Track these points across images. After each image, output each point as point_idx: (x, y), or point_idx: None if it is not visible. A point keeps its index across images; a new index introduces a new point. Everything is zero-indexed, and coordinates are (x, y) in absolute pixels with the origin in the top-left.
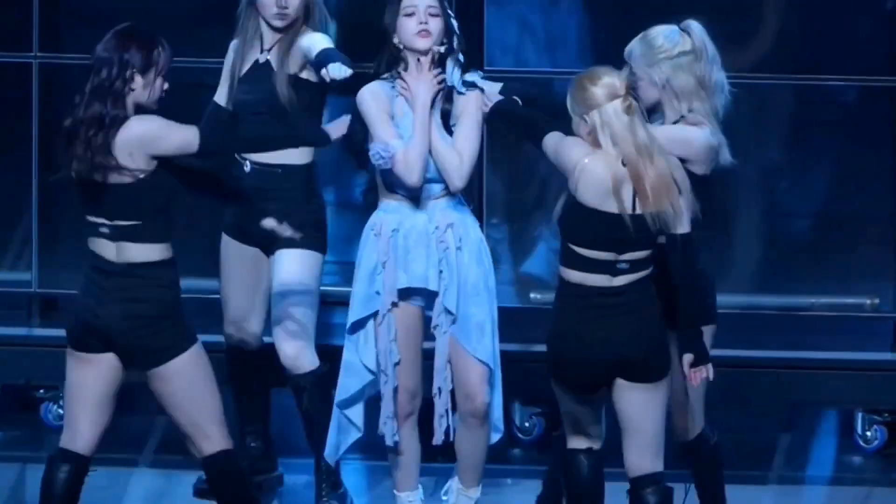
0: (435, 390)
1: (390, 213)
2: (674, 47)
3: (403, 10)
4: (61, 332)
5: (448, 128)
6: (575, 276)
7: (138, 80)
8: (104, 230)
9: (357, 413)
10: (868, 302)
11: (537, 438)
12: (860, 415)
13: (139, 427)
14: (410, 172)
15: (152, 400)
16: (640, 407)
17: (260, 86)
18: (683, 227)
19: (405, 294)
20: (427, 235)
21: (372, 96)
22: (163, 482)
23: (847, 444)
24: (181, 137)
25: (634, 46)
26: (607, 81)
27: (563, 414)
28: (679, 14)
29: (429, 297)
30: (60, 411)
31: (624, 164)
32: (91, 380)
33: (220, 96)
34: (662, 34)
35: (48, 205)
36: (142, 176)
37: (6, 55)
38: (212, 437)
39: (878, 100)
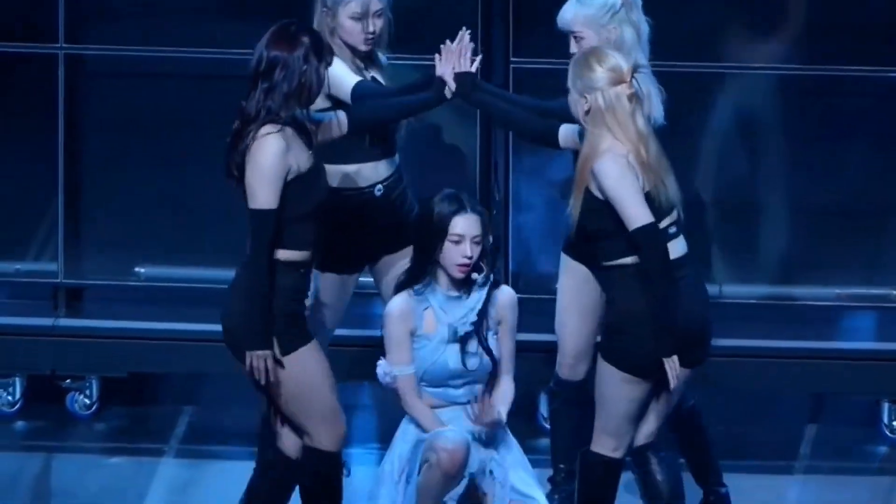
0: None
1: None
2: (616, 2)
3: (450, 235)
4: (87, 323)
5: None
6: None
7: None
8: None
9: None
10: (893, 292)
11: None
12: (886, 405)
13: (166, 417)
14: None
15: (178, 390)
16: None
17: None
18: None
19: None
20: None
21: (400, 316)
22: (189, 472)
23: (873, 435)
24: None
25: (576, 10)
26: (614, 64)
27: (614, 415)
28: (702, 7)
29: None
30: (87, 401)
31: None
32: None
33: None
34: None
35: (74, 195)
36: None
37: (32, 46)
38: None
39: None
